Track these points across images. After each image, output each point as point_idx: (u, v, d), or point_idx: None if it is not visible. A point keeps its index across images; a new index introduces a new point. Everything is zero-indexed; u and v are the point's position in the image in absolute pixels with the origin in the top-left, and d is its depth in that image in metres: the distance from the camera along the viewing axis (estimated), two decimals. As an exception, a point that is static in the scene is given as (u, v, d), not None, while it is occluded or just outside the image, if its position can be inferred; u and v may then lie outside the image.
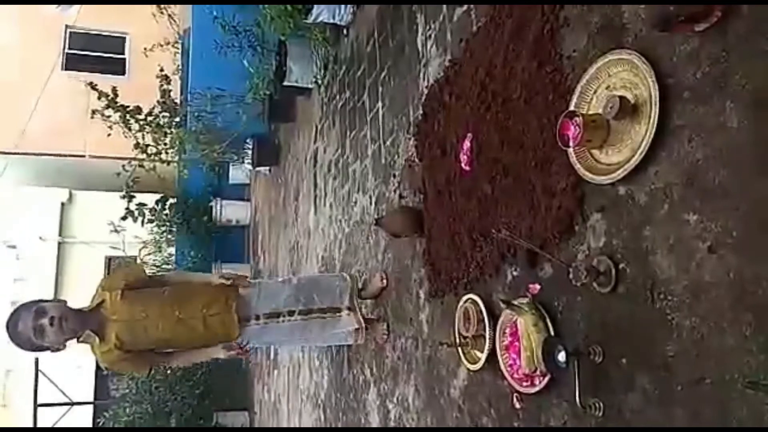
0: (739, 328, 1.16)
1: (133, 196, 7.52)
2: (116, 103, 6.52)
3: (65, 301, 2.63)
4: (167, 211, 8.07)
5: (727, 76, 1.22)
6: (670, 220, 1.33)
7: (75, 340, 2.59)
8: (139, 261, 7.37)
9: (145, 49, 8.39)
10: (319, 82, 4.77)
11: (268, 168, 6.96)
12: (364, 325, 2.90)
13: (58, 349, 2.55)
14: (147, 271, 2.95)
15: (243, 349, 2.76)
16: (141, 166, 6.94)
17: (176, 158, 7.06)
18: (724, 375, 1.19)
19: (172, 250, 8.69)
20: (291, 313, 2.83)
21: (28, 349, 2.55)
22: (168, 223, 8.13)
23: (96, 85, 6.65)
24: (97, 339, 2.60)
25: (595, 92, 1.56)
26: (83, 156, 11.03)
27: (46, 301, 2.60)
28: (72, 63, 11.46)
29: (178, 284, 2.84)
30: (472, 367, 2.06)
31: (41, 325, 2.45)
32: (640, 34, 1.45)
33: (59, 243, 11.59)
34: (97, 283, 2.75)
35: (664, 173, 1.36)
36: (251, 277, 7.10)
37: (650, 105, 1.37)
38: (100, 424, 8.21)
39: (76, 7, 7.80)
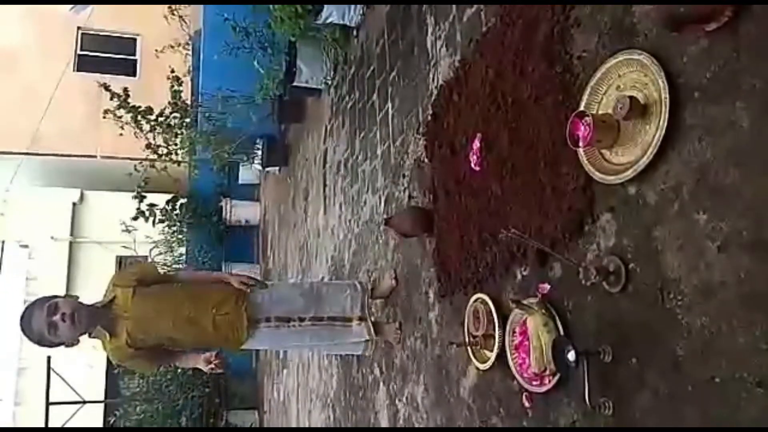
0: (750, 327, 1.16)
1: (145, 197, 7.58)
2: (128, 103, 6.57)
3: (77, 297, 2.65)
4: (178, 211, 8.12)
5: (738, 76, 1.22)
6: (680, 220, 1.34)
7: (87, 335, 2.62)
8: (150, 259, 7.43)
9: (156, 50, 8.45)
10: (329, 82, 4.79)
11: (277, 168, 6.99)
12: (374, 337, 2.90)
13: (72, 344, 2.59)
14: (159, 269, 2.97)
15: (219, 363, 2.75)
16: (152, 166, 7.00)
17: (187, 159, 7.11)
18: (734, 374, 1.19)
19: (183, 250, 8.74)
20: (302, 320, 2.82)
21: (42, 345, 2.59)
22: (179, 223, 8.18)
23: (109, 85, 6.71)
24: (108, 335, 2.63)
25: (605, 92, 1.56)
26: (95, 156, 11.11)
27: (59, 297, 2.62)
28: (84, 64, 11.54)
29: (190, 283, 2.86)
30: (482, 367, 2.07)
31: (54, 322, 2.49)
32: (650, 35, 1.46)
33: (71, 243, 11.67)
34: (110, 278, 2.77)
35: (674, 173, 1.36)
36: (261, 277, 7.14)
37: (660, 105, 1.38)
38: (111, 422, 8.27)
39: (88, 9, 7.87)
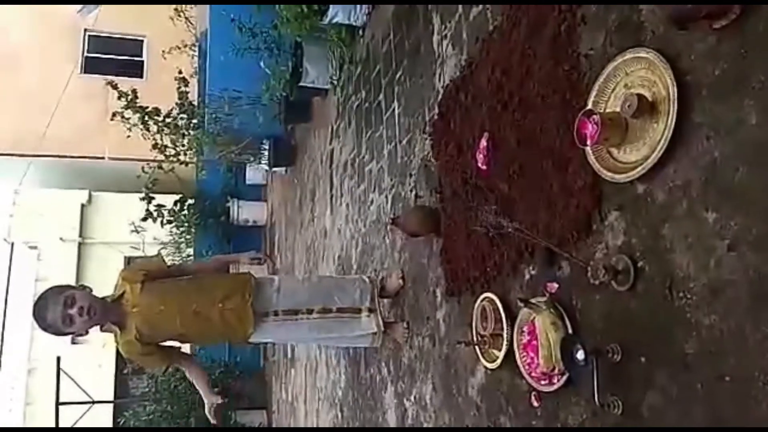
0: (759, 325, 1.16)
1: (153, 198, 7.60)
2: (136, 103, 6.60)
3: (90, 289, 2.68)
4: (185, 212, 8.15)
5: (746, 73, 1.22)
6: (689, 218, 1.33)
7: (99, 328, 2.66)
8: (159, 253, 7.44)
9: (163, 51, 8.49)
10: (335, 82, 4.79)
11: (284, 168, 7.00)
12: (383, 328, 2.87)
13: (80, 335, 2.63)
14: (167, 262, 2.98)
15: (221, 404, 2.88)
16: (160, 167, 7.02)
17: (194, 159, 7.13)
18: (743, 373, 1.18)
19: (191, 250, 8.77)
20: (309, 312, 2.80)
21: (52, 334, 2.62)
22: (186, 224, 8.20)
23: (117, 84, 6.74)
24: (118, 330, 2.66)
25: (612, 90, 1.56)
26: (102, 158, 11.18)
27: (74, 287, 2.65)
28: (91, 66, 11.62)
29: (197, 277, 2.87)
30: (490, 366, 2.06)
31: (70, 315, 2.51)
32: (657, 32, 1.45)
33: (79, 244, 11.76)
34: (119, 271, 2.79)
35: (682, 171, 1.36)
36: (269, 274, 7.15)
37: (668, 103, 1.37)
38: (121, 423, 8.31)
39: (96, 11, 7.92)
